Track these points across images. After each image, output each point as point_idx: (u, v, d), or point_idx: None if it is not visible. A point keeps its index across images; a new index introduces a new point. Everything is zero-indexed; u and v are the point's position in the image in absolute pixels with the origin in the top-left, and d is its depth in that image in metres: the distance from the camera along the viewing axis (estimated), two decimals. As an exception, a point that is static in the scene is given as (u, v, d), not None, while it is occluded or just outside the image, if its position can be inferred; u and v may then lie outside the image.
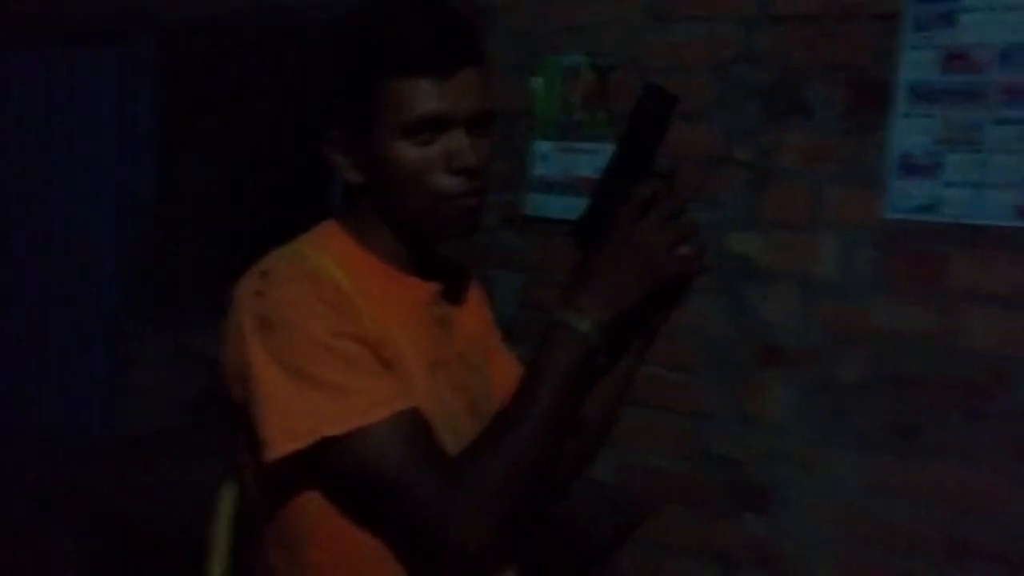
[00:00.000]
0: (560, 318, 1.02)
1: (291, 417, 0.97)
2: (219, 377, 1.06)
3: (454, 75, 1.03)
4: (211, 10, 3.32)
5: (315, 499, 1.03)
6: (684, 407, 2.41)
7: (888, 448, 2.18)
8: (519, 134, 2.61)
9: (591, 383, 1.10)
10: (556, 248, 2.55)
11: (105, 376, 3.72)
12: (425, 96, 1.03)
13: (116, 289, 3.69)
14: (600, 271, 1.02)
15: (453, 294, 1.20)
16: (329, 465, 0.98)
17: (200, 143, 3.56)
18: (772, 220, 2.30)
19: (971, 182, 2.12)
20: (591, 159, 2.46)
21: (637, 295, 1.03)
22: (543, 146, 2.57)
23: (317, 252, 1.08)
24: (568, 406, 1.02)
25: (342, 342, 0.99)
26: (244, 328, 1.00)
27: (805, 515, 2.27)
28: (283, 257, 1.07)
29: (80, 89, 3.82)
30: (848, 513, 2.22)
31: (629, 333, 1.16)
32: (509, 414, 1.00)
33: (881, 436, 2.19)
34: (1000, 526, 2.07)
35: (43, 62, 3.92)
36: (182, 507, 2.21)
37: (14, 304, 4.10)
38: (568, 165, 2.55)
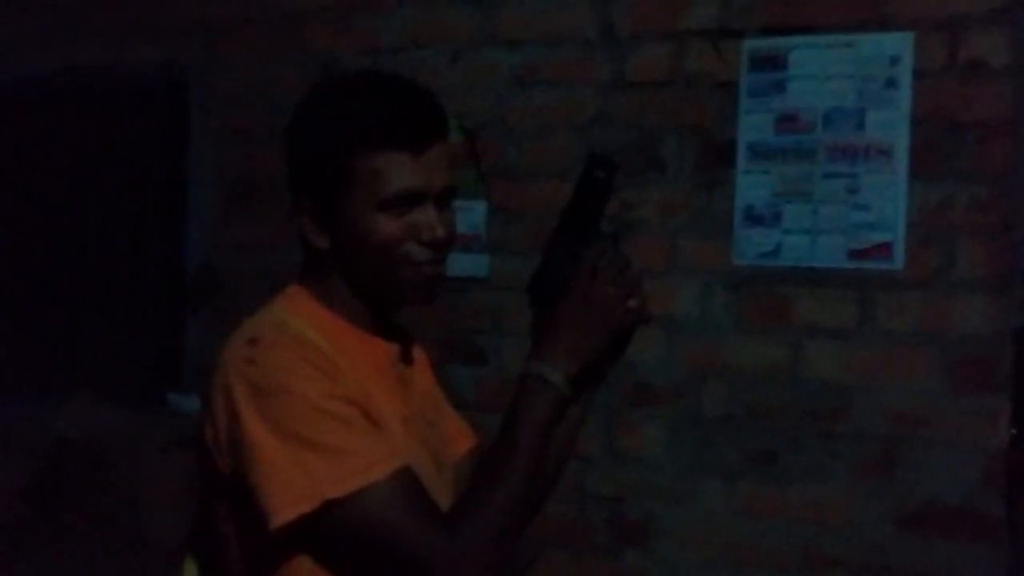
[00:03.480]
0: (533, 370, 1.09)
1: (292, 482, 0.97)
2: (200, 450, 1.05)
3: (427, 151, 1.09)
4: (37, 68, 3.17)
5: (306, 563, 1.03)
6: (561, 450, 2.52)
7: (750, 474, 2.37)
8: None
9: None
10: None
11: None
12: (401, 171, 1.07)
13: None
14: (564, 326, 1.10)
15: (407, 355, 1.24)
16: (329, 527, 0.99)
17: (30, 208, 3.35)
18: (634, 269, 2.47)
19: (806, 229, 2.38)
20: (464, 216, 2.54)
21: (598, 346, 1.12)
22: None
23: (293, 317, 1.09)
24: (544, 453, 1.09)
25: (335, 404, 1.01)
26: (236, 396, 1.00)
27: (681, 545, 2.42)
28: (266, 323, 1.08)
29: None
30: (719, 538, 2.40)
31: (580, 382, 1.24)
32: (495, 463, 1.06)
33: (744, 464, 2.38)
34: (850, 537, 2.29)
35: None
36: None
37: None
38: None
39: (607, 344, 1.13)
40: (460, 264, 2.58)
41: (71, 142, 3.32)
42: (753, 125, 2.41)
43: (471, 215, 2.58)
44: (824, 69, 2.36)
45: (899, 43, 2.30)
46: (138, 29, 3.05)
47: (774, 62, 2.39)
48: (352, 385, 1.05)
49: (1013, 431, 2.19)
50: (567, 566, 2.50)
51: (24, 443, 3.03)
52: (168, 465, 2.62)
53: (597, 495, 2.49)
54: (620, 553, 2.47)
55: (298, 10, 2.83)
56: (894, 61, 2.30)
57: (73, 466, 2.77)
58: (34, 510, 2.88)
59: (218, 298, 2.96)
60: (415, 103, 1.09)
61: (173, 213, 3.14)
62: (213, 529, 1.09)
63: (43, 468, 2.89)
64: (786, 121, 2.39)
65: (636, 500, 2.46)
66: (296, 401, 0.99)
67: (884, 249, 2.30)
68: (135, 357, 3.24)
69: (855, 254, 2.33)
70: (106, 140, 3.27)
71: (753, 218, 2.41)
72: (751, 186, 2.41)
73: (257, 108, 2.86)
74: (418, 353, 1.31)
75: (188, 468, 1.11)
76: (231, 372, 1.02)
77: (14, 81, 3.29)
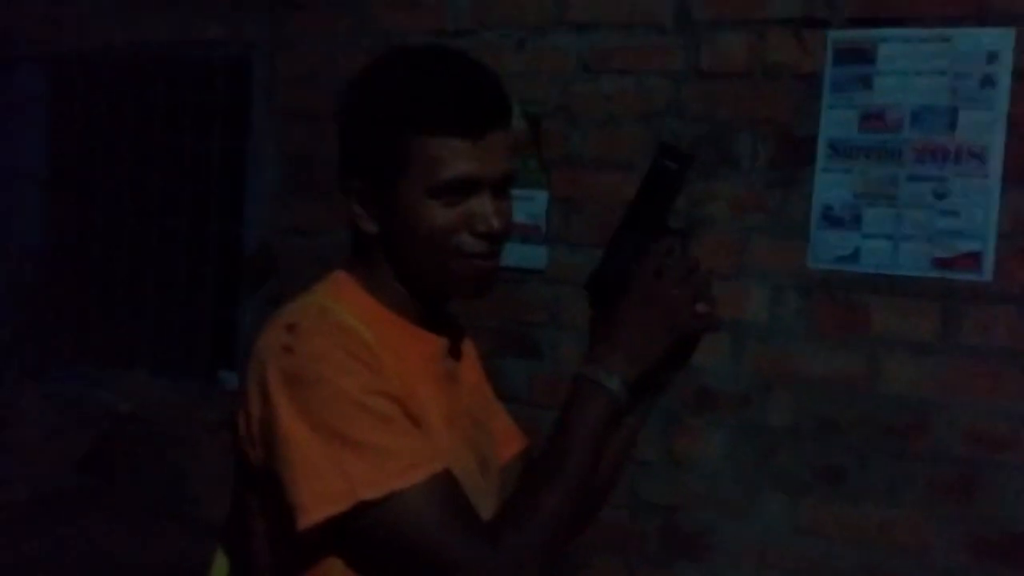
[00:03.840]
0: (588, 374, 1.01)
1: (325, 480, 0.90)
2: (234, 437, 0.99)
3: (485, 137, 1.01)
4: (104, 42, 3.17)
5: (337, 566, 0.96)
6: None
7: (816, 490, 2.25)
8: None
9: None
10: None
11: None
12: (457, 157, 1.00)
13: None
14: (624, 327, 1.02)
15: (455, 348, 1.16)
16: (362, 530, 0.92)
17: (92, 183, 3.35)
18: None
19: (888, 234, 2.24)
20: (525, 206, 2.46)
21: (659, 352, 1.03)
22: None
23: (336, 304, 1.02)
24: (596, 462, 1.00)
25: (374, 399, 0.93)
26: (270, 385, 0.93)
27: (737, 560, 2.31)
28: (307, 310, 1.00)
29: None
30: (778, 556, 2.27)
31: (639, 389, 1.15)
32: (543, 470, 0.98)
33: (809, 479, 2.25)
34: (921, 564, 2.16)
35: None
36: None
37: None
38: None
39: (669, 349, 1.04)
40: (518, 254, 2.49)
41: (135, 118, 3.32)
42: (836, 121, 2.28)
43: (532, 204, 2.50)
44: (915, 64, 2.22)
45: (998, 39, 2.14)
46: (204, 6, 3.02)
47: (861, 55, 2.25)
48: (394, 379, 0.98)
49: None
50: (616, 573, 2.41)
51: (80, 415, 3.05)
52: (217, 443, 2.59)
53: (651, 502, 2.39)
54: (672, 564, 2.36)
55: (364, -11, 2.78)
56: (992, 58, 2.15)
57: (125, 439, 2.76)
58: (87, 479, 2.90)
59: (275, 278, 2.92)
60: (477, 87, 1.01)
61: (234, 192, 3.11)
62: (243, 522, 1.02)
63: (97, 439, 2.90)
64: (872, 118, 2.25)
65: (692, 510, 2.35)
66: (334, 394, 0.92)
67: (971, 259, 2.16)
68: (191, 334, 3.23)
69: (940, 263, 2.18)
70: (169, 117, 3.27)
71: (831, 220, 2.28)
72: (830, 186, 2.28)
73: (320, 87, 2.81)
74: (468, 347, 1.23)
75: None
76: (267, 359, 0.95)
77: (79, 56, 3.30)
